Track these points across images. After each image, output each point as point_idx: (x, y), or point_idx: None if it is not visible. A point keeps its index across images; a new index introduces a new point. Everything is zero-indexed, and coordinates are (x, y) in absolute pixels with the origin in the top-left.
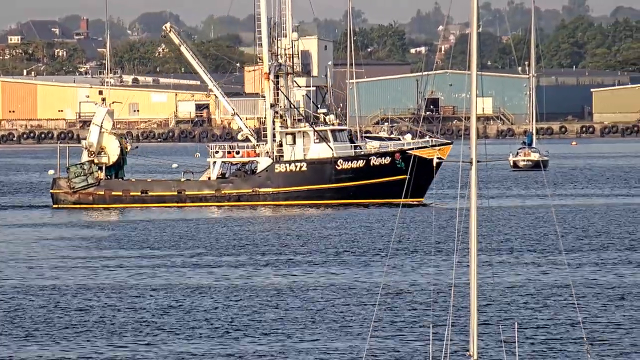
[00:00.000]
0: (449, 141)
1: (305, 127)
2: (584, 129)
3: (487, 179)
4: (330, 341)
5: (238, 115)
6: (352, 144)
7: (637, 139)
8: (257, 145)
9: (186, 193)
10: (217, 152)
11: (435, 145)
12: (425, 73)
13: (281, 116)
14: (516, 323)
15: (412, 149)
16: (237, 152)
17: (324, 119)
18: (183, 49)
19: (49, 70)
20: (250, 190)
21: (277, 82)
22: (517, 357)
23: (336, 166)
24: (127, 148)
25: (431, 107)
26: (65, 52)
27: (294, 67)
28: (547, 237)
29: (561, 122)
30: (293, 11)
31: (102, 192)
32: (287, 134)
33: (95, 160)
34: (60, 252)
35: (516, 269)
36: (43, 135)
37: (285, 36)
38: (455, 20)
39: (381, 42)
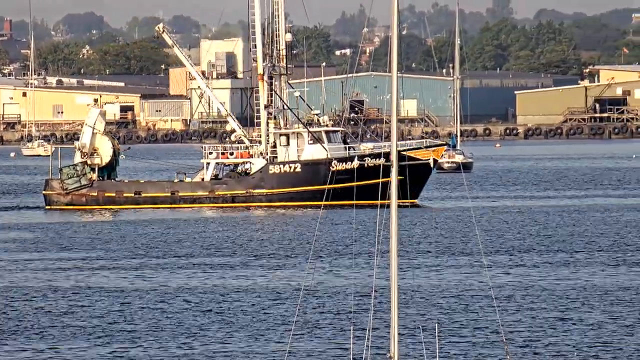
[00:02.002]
0: (444, 142)
1: (299, 128)
2: (507, 131)
3: None
4: (251, 343)
5: (231, 116)
6: (346, 145)
7: (560, 141)
8: (250, 146)
9: (179, 194)
10: (210, 153)
11: (429, 147)
12: (350, 75)
13: (275, 117)
14: (437, 324)
15: (407, 150)
16: (231, 154)
17: (318, 120)
18: (176, 49)
19: None
20: (244, 192)
21: (271, 83)
22: (437, 358)
23: (330, 167)
24: (119, 149)
25: (356, 109)
26: None
27: (287, 68)
28: (468, 239)
29: (485, 124)
30: (285, 12)
31: (95, 193)
32: (280, 135)
33: (88, 162)
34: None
35: (437, 271)
36: None
37: (278, 36)
38: (380, 22)
39: (306, 44)
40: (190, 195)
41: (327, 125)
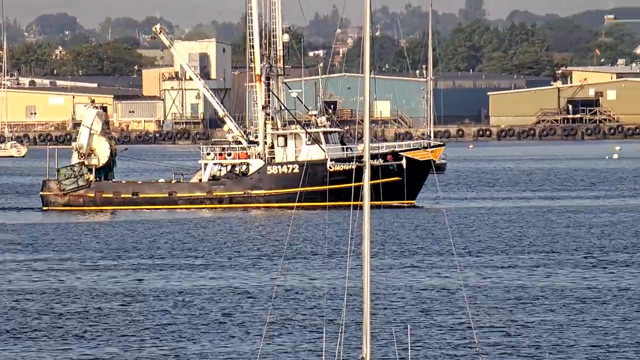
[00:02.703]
0: (442, 143)
1: (296, 129)
2: (480, 132)
3: None
4: (224, 344)
5: (229, 117)
6: (343, 146)
7: (533, 142)
8: (248, 147)
9: (177, 195)
10: (208, 154)
11: (427, 147)
12: (324, 76)
13: (272, 118)
14: (409, 325)
15: (405, 150)
16: (229, 154)
17: (315, 120)
18: (173, 50)
19: None
20: (242, 192)
21: (268, 84)
22: (409, 359)
23: (328, 168)
24: (115, 150)
25: (329, 110)
26: None
27: (285, 69)
28: (440, 240)
29: (458, 125)
30: (283, 13)
31: (93, 194)
32: (278, 135)
33: (86, 162)
34: None
35: (410, 272)
36: None
37: (275, 37)
38: (353, 23)
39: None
40: (188, 196)
41: (324, 126)
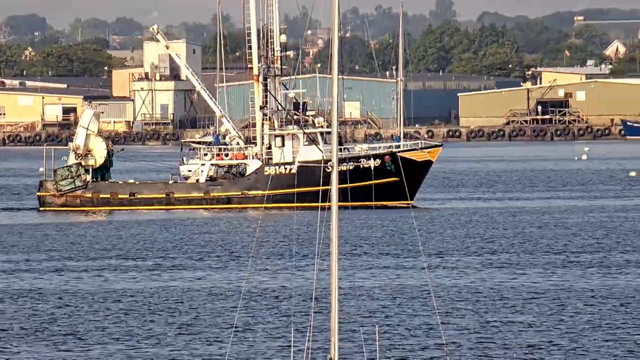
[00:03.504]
0: (439, 143)
1: (294, 129)
2: (450, 133)
3: None
4: (192, 344)
5: (226, 117)
6: (341, 147)
7: (503, 143)
8: (245, 147)
9: (175, 196)
10: (205, 154)
11: (425, 148)
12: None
13: (269, 118)
14: (377, 326)
15: (402, 151)
16: (226, 155)
17: (313, 121)
18: (170, 51)
19: None
20: (240, 193)
21: (266, 85)
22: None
23: (326, 169)
24: (112, 150)
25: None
26: None
27: (282, 69)
28: (408, 241)
29: (428, 126)
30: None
31: (90, 195)
32: (276, 136)
33: (82, 163)
34: None
35: (378, 273)
36: None
37: (272, 38)
38: (323, 24)
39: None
40: (185, 196)
41: (322, 127)
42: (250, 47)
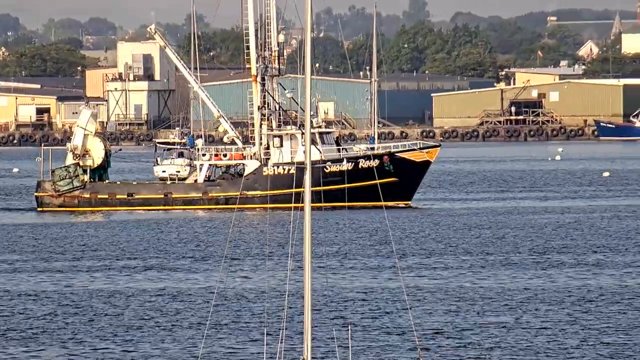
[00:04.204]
0: (437, 144)
1: (292, 129)
2: (424, 133)
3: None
4: (164, 346)
5: (223, 117)
6: (339, 147)
7: (476, 144)
8: (244, 147)
9: (173, 196)
10: (204, 154)
11: (423, 148)
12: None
13: (268, 118)
14: (350, 327)
15: (401, 151)
16: (225, 155)
17: (311, 121)
18: (168, 50)
19: None
20: (238, 193)
21: (264, 85)
22: None
23: (325, 169)
24: (109, 150)
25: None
26: None
27: (280, 69)
28: (382, 241)
29: (402, 126)
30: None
31: (88, 195)
32: (274, 136)
33: (80, 163)
34: None
35: (351, 274)
36: None
37: (270, 37)
38: (297, 24)
39: (224, 47)
40: (183, 197)
41: (320, 127)
42: (248, 47)
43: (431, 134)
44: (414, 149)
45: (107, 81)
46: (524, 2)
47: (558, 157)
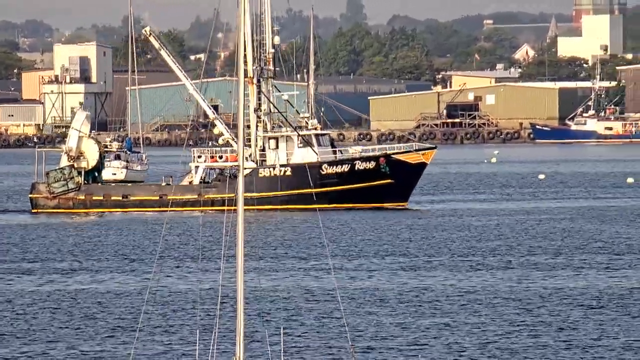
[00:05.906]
0: (433, 145)
1: (288, 131)
2: (361, 136)
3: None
4: (96, 346)
5: (219, 120)
6: (334, 149)
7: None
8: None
9: (168, 198)
10: (199, 156)
11: (419, 150)
12: (205, 80)
13: (263, 120)
14: (282, 327)
15: (396, 153)
16: (220, 157)
17: (307, 123)
18: (163, 53)
19: None
20: (233, 195)
21: (259, 87)
22: None
23: (321, 171)
24: (104, 152)
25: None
26: None
27: (275, 71)
28: (314, 243)
29: (339, 129)
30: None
31: (83, 197)
32: (269, 138)
33: (75, 165)
34: None
35: (282, 275)
36: None
37: (264, 39)
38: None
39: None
40: (178, 198)
41: (315, 129)
42: (245, 49)
43: (368, 137)
44: (410, 151)
45: (44, 83)
46: (461, 6)
47: (494, 160)
